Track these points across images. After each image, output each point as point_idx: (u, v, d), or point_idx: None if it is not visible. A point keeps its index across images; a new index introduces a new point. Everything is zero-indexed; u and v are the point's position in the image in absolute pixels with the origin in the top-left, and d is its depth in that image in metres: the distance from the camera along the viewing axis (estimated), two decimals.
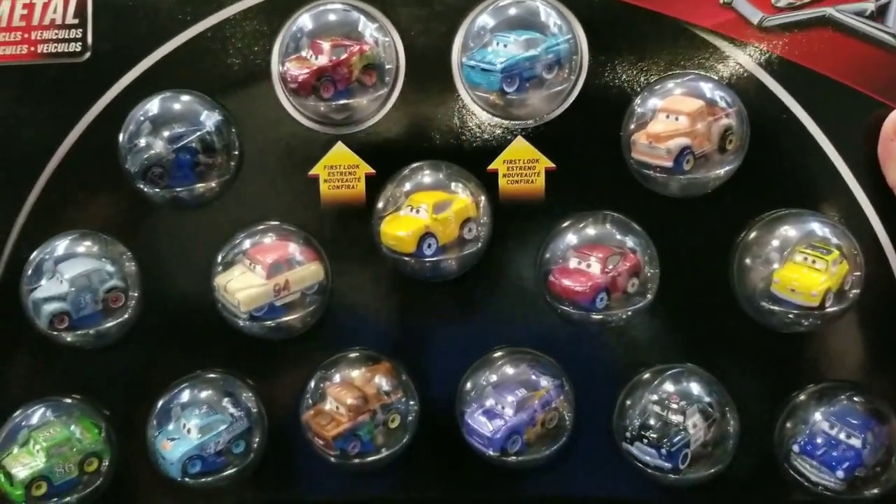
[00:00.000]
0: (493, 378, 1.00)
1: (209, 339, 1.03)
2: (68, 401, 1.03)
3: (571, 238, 0.98)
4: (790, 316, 0.95)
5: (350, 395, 0.99)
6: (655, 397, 0.98)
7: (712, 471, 0.98)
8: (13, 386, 1.04)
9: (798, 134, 0.98)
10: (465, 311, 1.02)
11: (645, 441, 0.97)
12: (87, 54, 1.00)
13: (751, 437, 1.00)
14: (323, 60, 0.96)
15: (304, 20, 0.98)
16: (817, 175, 0.98)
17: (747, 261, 0.98)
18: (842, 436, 0.96)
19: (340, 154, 1.00)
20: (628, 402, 1.00)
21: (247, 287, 0.97)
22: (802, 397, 0.99)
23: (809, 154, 0.98)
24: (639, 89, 0.98)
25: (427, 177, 0.99)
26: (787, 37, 0.97)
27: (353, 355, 1.02)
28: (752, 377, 1.01)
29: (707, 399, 0.98)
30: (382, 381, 1.01)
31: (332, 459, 0.99)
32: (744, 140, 0.96)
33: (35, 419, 1.01)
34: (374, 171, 1.00)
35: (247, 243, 1.00)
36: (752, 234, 0.98)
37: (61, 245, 1.00)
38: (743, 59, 0.98)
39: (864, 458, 0.95)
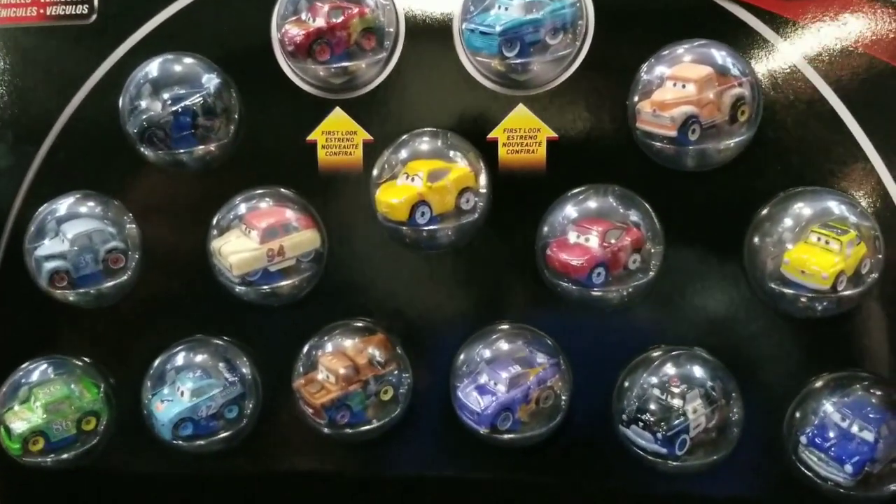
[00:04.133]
0: (488, 354, 0.97)
1: (207, 304, 1.03)
2: (69, 359, 1.04)
3: (571, 211, 0.95)
4: (802, 300, 0.90)
5: (341, 364, 0.97)
6: (655, 380, 0.94)
7: (714, 458, 0.93)
8: (18, 344, 1.05)
9: (818, 107, 0.92)
10: (461, 284, 0.99)
11: (641, 424, 0.92)
12: (94, 16, 1.01)
13: (757, 426, 0.94)
14: (320, 22, 0.94)
15: None
16: (839, 151, 0.92)
17: (757, 240, 0.92)
18: (854, 428, 0.90)
19: (338, 120, 0.98)
20: (627, 384, 0.96)
21: (240, 251, 0.96)
22: (814, 386, 0.94)
23: (830, 129, 0.92)
24: (646, 56, 0.93)
25: (424, 144, 0.96)
26: (809, 3, 0.91)
27: (347, 325, 1.01)
28: (761, 363, 0.95)
29: (710, 384, 0.93)
30: (376, 353, 0.99)
31: (323, 428, 0.98)
32: (757, 111, 0.91)
33: (36, 376, 1.02)
34: (371, 137, 0.98)
35: (243, 208, 0.99)
36: (764, 212, 0.93)
37: (64, 205, 1.01)
38: (759, 26, 0.92)
39: (876, 452, 0.89)
